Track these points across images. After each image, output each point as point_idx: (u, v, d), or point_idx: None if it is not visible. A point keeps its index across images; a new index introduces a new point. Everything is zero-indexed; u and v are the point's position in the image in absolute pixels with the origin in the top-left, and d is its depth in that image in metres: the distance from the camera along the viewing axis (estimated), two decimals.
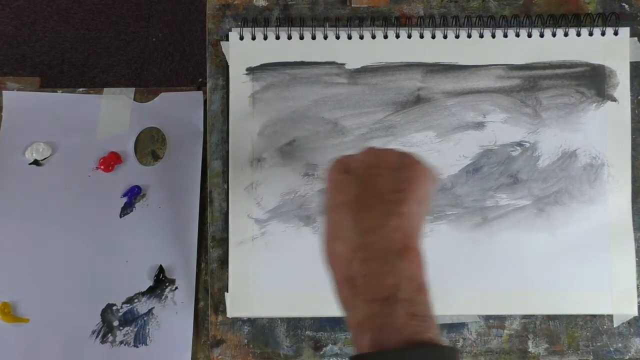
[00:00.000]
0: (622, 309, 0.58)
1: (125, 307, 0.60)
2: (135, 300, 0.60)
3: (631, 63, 0.59)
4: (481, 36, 0.59)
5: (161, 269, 0.61)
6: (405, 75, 0.58)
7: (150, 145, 0.65)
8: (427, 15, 0.59)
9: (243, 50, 0.58)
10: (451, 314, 0.58)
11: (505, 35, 0.59)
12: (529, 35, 0.59)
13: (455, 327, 0.58)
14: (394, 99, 0.58)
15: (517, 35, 0.59)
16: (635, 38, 0.59)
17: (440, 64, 0.59)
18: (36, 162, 0.63)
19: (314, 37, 0.58)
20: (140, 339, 0.60)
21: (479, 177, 0.58)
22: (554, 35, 0.59)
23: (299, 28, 0.58)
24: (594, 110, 0.59)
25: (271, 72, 0.58)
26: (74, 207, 0.62)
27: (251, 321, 0.58)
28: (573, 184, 0.58)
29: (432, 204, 0.55)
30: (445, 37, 0.58)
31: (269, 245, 0.58)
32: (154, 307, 0.60)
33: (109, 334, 0.60)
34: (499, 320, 0.58)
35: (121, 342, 0.60)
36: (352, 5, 0.59)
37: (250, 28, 0.58)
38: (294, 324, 0.58)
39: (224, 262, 0.58)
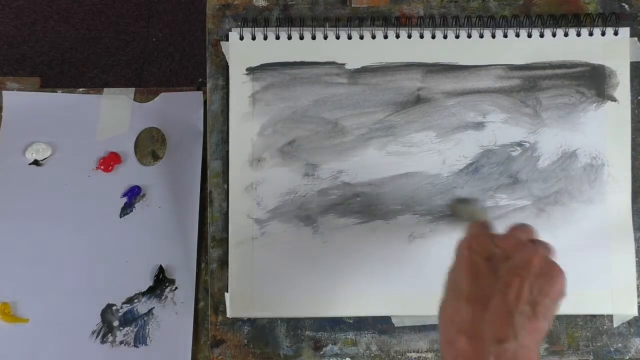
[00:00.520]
0: (622, 309, 0.58)
1: (125, 307, 0.60)
2: (135, 300, 0.60)
3: (631, 63, 0.59)
4: (481, 36, 0.59)
5: (161, 269, 0.61)
6: (405, 75, 0.58)
7: (150, 145, 0.65)
8: (427, 16, 0.59)
9: (243, 50, 0.58)
10: None
11: (505, 36, 0.59)
12: (529, 35, 0.59)
13: None
14: (394, 99, 0.58)
15: (517, 35, 0.59)
16: (635, 38, 0.59)
17: (440, 64, 0.59)
18: (36, 162, 0.63)
19: (314, 37, 0.58)
20: (140, 339, 0.60)
21: (479, 177, 0.58)
22: (554, 35, 0.59)
23: (299, 28, 0.58)
24: (594, 111, 0.59)
25: (271, 72, 0.58)
26: (74, 207, 0.62)
27: (251, 321, 0.58)
28: (573, 184, 0.58)
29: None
30: (445, 37, 0.58)
31: (269, 245, 0.58)
32: (154, 307, 0.60)
33: (109, 334, 0.60)
34: None
35: (121, 342, 0.60)
36: (352, 5, 0.59)
37: (250, 28, 0.58)
38: (294, 324, 0.58)
39: (224, 262, 0.58)
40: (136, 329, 0.60)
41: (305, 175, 0.58)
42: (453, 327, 0.42)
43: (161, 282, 0.61)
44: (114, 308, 0.60)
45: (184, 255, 0.61)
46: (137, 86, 0.66)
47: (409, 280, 0.57)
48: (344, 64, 0.58)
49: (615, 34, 0.59)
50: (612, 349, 0.58)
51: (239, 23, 0.59)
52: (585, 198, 0.58)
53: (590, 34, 0.59)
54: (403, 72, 0.58)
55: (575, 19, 0.59)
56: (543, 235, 0.58)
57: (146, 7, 1.28)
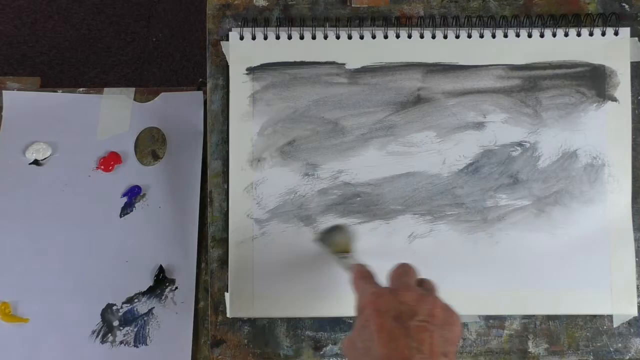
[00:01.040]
0: (622, 309, 0.58)
1: (125, 307, 0.60)
2: (135, 300, 0.60)
3: (631, 63, 0.59)
4: (481, 36, 0.59)
5: (161, 269, 0.61)
6: (405, 75, 0.58)
7: (150, 145, 0.65)
8: (427, 16, 0.59)
9: (243, 50, 0.58)
10: None
11: (506, 36, 0.59)
12: (529, 36, 0.59)
13: None
14: (394, 99, 0.58)
15: (517, 35, 0.59)
16: (636, 38, 0.59)
17: (441, 64, 0.59)
18: (36, 162, 0.63)
19: (314, 37, 0.58)
20: (140, 339, 0.60)
21: (479, 177, 0.58)
22: (554, 35, 0.59)
23: (299, 28, 0.58)
24: (595, 111, 0.59)
25: (271, 72, 0.58)
26: (74, 207, 0.62)
27: (251, 321, 0.58)
28: (573, 184, 0.58)
29: None
30: (445, 37, 0.58)
31: (269, 245, 0.58)
32: (154, 307, 0.60)
33: (109, 334, 0.60)
34: (499, 321, 0.58)
35: (121, 342, 0.60)
36: (352, 5, 0.59)
37: (251, 28, 0.58)
38: (294, 324, 0.58)
39: (224, 262, 0.58)
40: (136, 328, 0.60)
41: (305, 175, 0.58)
42: None
43: (161, 282, 0.61)
44: (114, 308, 0.60)
45: (184, 255, 0.61)
46: (137, 86, 0.66)
47: None
48: (344, 64, 0.58)
49: (616, 34, 0.59)
50: (612, 349, 0.58)
51: (239, 23, 0.59)
52: (585, 198, 0.58)
53: (591, 34, 0.59)
54: (403, 72, 0.58)
55: (575, 19, 0.59)
56: (543, 235, 0.58)
57: (146, 7, 1.28)
